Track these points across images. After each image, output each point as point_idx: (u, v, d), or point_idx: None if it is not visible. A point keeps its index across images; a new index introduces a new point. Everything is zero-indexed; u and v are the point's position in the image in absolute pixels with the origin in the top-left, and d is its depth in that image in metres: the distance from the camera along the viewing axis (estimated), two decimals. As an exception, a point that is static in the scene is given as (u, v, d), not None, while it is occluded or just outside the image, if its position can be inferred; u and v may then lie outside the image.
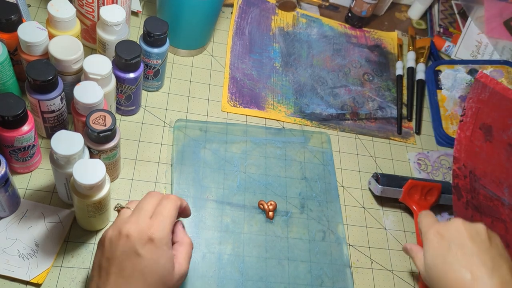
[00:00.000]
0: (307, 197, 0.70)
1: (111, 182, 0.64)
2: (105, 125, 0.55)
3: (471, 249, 0.54)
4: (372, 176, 0.73)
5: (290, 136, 0.76)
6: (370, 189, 0.74)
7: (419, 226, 0.62)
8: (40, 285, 0.56)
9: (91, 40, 0.75)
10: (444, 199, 0.74)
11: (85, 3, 0.68)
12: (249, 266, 0.63)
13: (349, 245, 0.68)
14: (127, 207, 0.52)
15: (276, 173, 0.71)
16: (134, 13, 0.83)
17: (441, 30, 0.99)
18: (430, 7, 1.03)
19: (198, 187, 0.67)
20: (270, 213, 0.67)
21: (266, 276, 0.62)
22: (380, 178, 0.71)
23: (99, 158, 0.58)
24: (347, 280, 0.64)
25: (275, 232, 0.66)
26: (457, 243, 0.55)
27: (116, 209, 0.53)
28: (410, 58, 0.92)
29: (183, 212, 0.55)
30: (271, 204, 0.68)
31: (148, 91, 0.75)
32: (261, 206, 0.67)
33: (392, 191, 0.71)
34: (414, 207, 0.72)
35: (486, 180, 0.73)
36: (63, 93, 0.59)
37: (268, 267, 0.63)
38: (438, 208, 0.75)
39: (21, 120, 0.54)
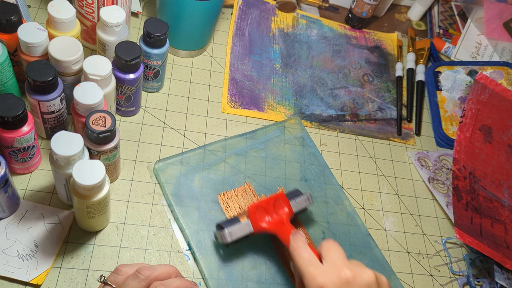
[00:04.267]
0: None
1: (110, 183, 0.64)
2: (105, 126, 0.55)
3: None
4: (216, 229, 0.62)
5: (268, 133, 0.75)
6: (217, 242, 0.62)
7: (293, 258, 0.53)
8: (40, 286, 0.56)
9: (91, 41, 0.75)
10: (297, 204, 0.63)
11: (85, 4, 0.68)
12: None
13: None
14: (110, 285, 0.47)
15: (271, 175, 0.71)
16: (134, 14, 0.83)
17: (441, 31, 0.99)
18: (430, 8, 1.03)
19: (208, 223, 0.65)
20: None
21: None
22: (221, 224, 0.60)
23: (99, 159, 0.58)
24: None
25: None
26: None
27: (99, 280, 0.48)
28: (410, 59, 0.92)
29: None
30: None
31: (148, 92, 0.75)
32: None
33: (240, 228, 0.59)
34: (276, 232, 0.60)
35: (486, 182, 0.73)
36: (63, 94, 0.59)
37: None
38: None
39: (20, 120, 0.54)
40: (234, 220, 0.61)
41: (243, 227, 0.60)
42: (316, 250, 0.54)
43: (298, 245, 0.54)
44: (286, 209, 0.62)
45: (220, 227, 0.60)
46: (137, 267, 0.47)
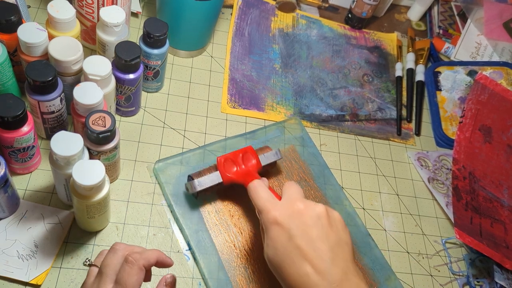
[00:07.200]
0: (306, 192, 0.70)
1: (110, 183, 0.64)
2: (105, 126, 0.55)
3: (311, 238, 0.50)
4: (187, 180, 0.65)
5: (268, 133, 0.75)
6: (189, 193, 0.64)
7: (252, 198, 0.57)
8: (39, 286, 0.56)
9: (90, 41, 0.75)
10: (266, 158, 0.66)
11: (85, 4, 0.68)
12: None
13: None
14: (95, 265, 0.48)
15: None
16: (134, 14, 0.83)
17: (441, 31, 0.99)
18: (430, 9, 1.03)
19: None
20: None
21: None
22: (192, 175, 0.64)
23: (99, 159, 0.58)
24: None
25: None
26: (297, 231, 0.51)
27: (85, 264, 0.51)
28: (409, 59, 0.92)
29: (161, 265, 0.49)
30: None
31: (147, 92, 0.75)
32: None
33: (209, 178, 0.63)
34: (244, 180, 0.62)
35: (486, 182, 0.73)
36: (62, 94, 0.59)
37: None
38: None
39: (20, 121, 0.54)
40: (204, 172, 0.64)
41: (212, 177, 0.63)
42: (279, 194, 0.57)
43: (256, 185, 0.58)
44: (254, 161, 0.65)
45: (190, 177, 0.63)
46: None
